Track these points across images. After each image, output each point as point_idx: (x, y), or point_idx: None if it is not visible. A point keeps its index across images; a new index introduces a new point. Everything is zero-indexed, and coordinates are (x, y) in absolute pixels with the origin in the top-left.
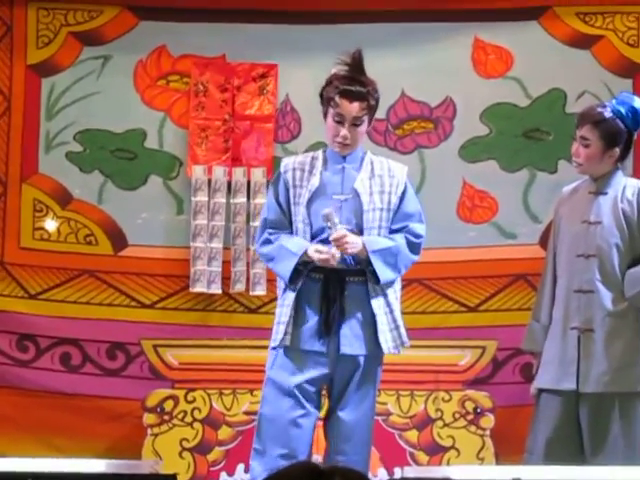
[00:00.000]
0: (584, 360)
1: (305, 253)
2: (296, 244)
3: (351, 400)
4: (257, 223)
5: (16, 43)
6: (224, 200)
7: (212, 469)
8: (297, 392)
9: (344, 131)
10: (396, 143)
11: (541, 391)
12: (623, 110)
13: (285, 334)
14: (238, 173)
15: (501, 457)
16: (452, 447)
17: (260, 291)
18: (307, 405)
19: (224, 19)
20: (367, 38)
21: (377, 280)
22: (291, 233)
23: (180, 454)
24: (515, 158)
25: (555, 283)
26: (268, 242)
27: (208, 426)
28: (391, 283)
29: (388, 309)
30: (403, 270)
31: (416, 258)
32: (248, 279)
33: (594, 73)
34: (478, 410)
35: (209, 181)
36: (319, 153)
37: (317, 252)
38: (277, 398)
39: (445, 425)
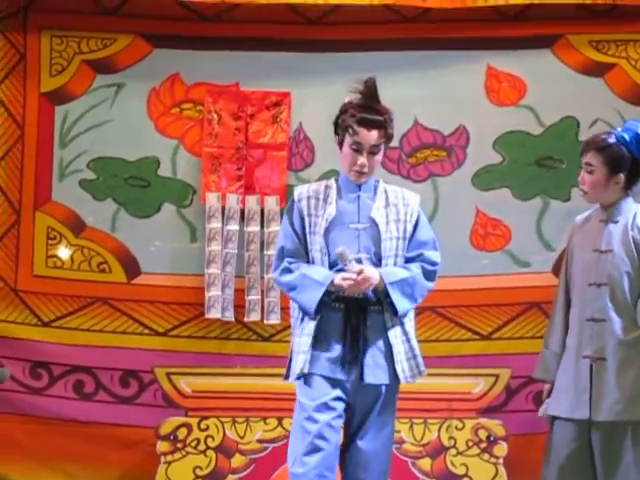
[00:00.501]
0: (596, 389)
1: (332, 283)
2: (320, 273)
3: (371, 429)
4: (271, 252)
5: (30, 71)
6: (237, 228)
7: None
8: (322, 407)
9: (362, 159)
10: (409, 171)
11: (554, 419)
12: (627, 136)
13: (306, 362)
14: (251, 201)
15: None
16: (465, 475)
17: (274, 320)
18: (334, 420)
19: (238, 47)
20: (380, 66)
21: (395, 311)
22: (308, 262)
23: None
24: (528, 186)
25: (567, 311)
26: (288, 271)
27: (221, 454)
28: (408, 311)
29: (405, 338)
30: (419, 299)
31: (432, 285)
32: (262, 307)
33: (607, 101)
34: (491, 438)
35: (223, 208)
36: (332, 182)
37: (344, 280)
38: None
39: (458, 453)
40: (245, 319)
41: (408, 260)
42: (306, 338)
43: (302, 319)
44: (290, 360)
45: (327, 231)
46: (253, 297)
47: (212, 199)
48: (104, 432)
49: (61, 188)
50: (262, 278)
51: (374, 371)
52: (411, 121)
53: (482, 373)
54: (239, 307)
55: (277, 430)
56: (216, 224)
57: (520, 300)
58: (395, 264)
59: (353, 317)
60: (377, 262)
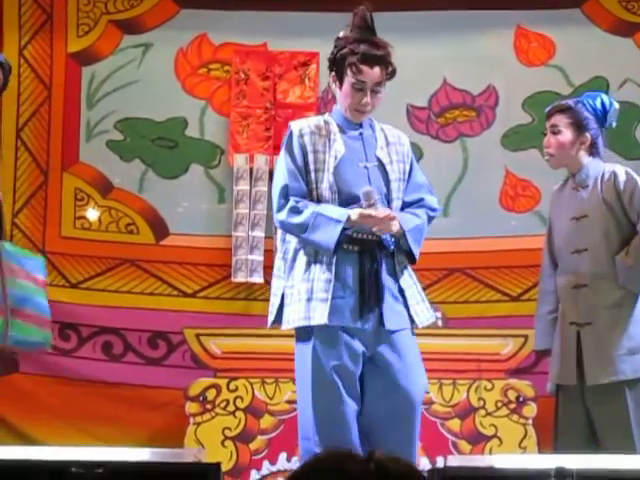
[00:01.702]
0: (586, 353)
1: (348, 219)
2: (335, 211)
3: (398, 375)
4: None
5: (56, 31)
6: (266, 189)
7: (254, 458)
8: (337, 378)
9: (366, 99)
10: (438, 131)
11: (557, 386)
12: (590, 100)
13: (324, 310)
14: None
15: (543, 446)
16: (494, 436)
17: None
18: (347, 395)
19: (265, 7)
20: (410, 26)
21: (412, 259)
22: (312, 201)
23: (222, 443)
24: None
25: (554, 278)
26: (296, 211)
27: (250, 415)
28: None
29: (412, 281)
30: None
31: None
32: None
33: (636, 61)
34: (520, 399)
35: (251, 170)
36: (328, 117)
37: (362, 217)
38: (319, 387)
39: (487, 414)
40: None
41: (406, 204)
42: (323, 284)
43: (308, 262)
44: (281, 305)
45: (336, 169)
46: None
47: (240, 160)
48: (133, 393)
49: (88, 149)
50: None
51: (393, 316)
52: (440, 81)
53: (511, 334)
54: (269, 268)
55: None
56: (244, 186)
57: None
58: (398, 207)
59: (368, 260)
60: (387, 204)
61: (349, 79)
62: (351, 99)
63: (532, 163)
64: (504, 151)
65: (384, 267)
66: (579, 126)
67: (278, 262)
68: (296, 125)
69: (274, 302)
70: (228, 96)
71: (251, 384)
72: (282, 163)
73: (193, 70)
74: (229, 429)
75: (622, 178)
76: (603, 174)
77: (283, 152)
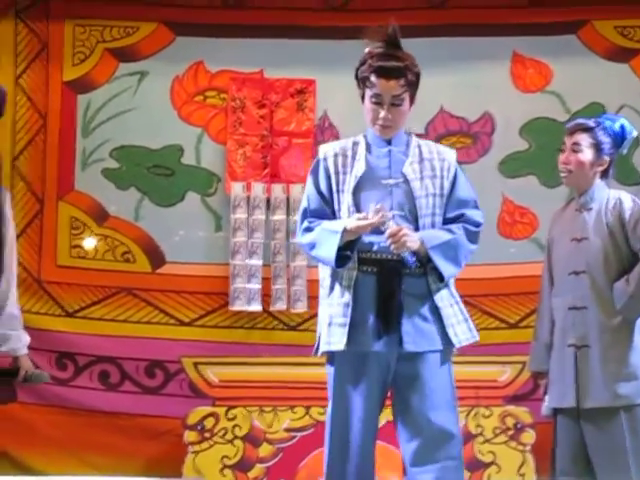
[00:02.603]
0: (582, 376)
1: (346, 230)
2: (337, 223)
3: (423, 402)
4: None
5: (52, 60)
6: (263, 217)
7: None
8: (353, 403)
9: (383, 112)
10: None
11: (554, 411)
12: (612, 124)
13: (342, 336)
14: (277, 190)
15: (542, 473)
16: (493, 463)
17: (301, 308)
18: (364, 420)
19: (261, 34)
20: None
21: (440, 277)
22: None
23: (221, 471)
24: (555, 173)
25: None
26: (309, 230)
27: (249, 443)
28: (453, 276)
29: (453, 300)
30: (463, 263)
31: (475, 248)
32: (289, 296)
33: (633, 87)
34: (519, 426)
35: (248, 198)
36: (360, 138)
37: (357, 220)
38: (335, 411)
39: (486, 441)
40: (271, 308)
41: (448, 221)
42: (340, 308)
43: (332, 286)
44: (319, 333)
45: (356, 189)
46: (279, 286)
47: (237, 188)
48: (130, 423)
49: (84, 177)
50: (288, 266)
51: (414, 338)
52: (437, 108)
53: (509, 361)
54: (266, 296)
55: (305, 419)
56: (241, 214)
57: None
58: (433, 224)
59: (387, 281)
60: (413, 221)
61: (368, 93)
62: (371, 114)
63: (529, 190)
64: (501, 178)
65: (409, 287)
66: (599, 148)
67: (320, 291)
68: (322, 148)
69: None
70: (224, 124)
71: (249, 412)
72: (306, 187)
73: (189, 98)
74: (228, 458)
75: (628, 205)
76: (608, 199)
77: (308, 176)
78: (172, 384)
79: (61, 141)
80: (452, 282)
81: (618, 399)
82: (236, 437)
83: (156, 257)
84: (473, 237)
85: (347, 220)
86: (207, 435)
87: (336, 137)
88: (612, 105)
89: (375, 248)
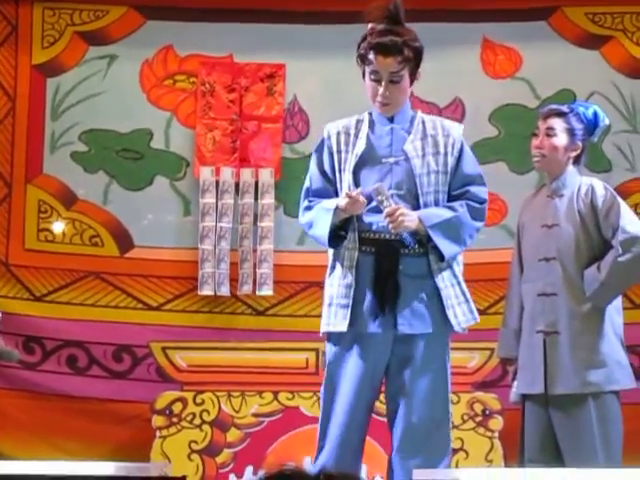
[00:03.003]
0: (551, 362)
1: (338, 207)
2: (332, 201)
3: (416, 389)
4: (265, 223)
5: (21, 43)
6: (232, 201)
7: (221, 471)
8: (346, 384)
9: (382, 89)
10: None
11: (523, 397)
12: (586, 110)
13: (345, 318)
14: (246, 174)
15: (510, 459)
16: (461, 449)
17: (266, 291)
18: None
19: (231, 19)
20: None
21: (441, 256)
22: None
23: (189, 456)
24: (525, 160)
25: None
26: (308, 209)
27: (217, 428)
28: (456, 255)
29: (455, 280)
30: (469, 241)
31: (480, 225)
32: (254, 280)
33: (603, 74)
34: (487, 412)
35: (217, 182)
36: (364, 115)
37: (344, 199)
38: (334, 396)
39: (454, 427)
40: (238, 292)
41: (453, 198)
42: (342, 289)
43: (333, 266)
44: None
45: (357, 167)
46: (246, 270)
47: (206, 173)
48: (98, 407)
49: (52, 161)
50: (255, 251)
51: (410, 320)
52: None
53: (477, 347)
54: (234, 281)
55: (273, 404)
56: (210, 199)
57: None
58: (436, 202)
59: (385, 262)
60: (412, 200)
61: (367, 70)
62: (370, 91)
63: (499, 176)
64: None
65: (407, 268)
66: (573, 134)
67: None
68: (327, 127)
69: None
70: (194, 108)
71: (217, 397)
72: (310, 166)
73: (158, 82)
74: (195, 442)
75: (600, 192)
76: (580, 186)
77: (312, 154)
78: (140, 369)
79: (30, 124)
80: (458, 261)
81: (587, 386)
82: (204, 422)
83: (124, 241)
84: (477, 214)
85: (340, 198)
86: (175, 420)
87: (305, 122)
88: (582, 92)
89: (374, 228)
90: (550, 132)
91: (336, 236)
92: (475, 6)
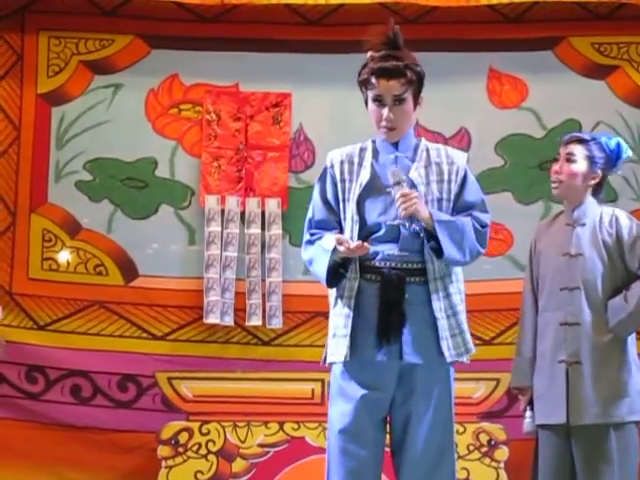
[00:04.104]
0: (573, 393)
1: (336, 249)
2: (331, 239)
3: (421, 421)
4: (273, 255)
5: (26, 72)
6: (237, 231)
7: None
8: (361, 407)
9: (386, 112)
10: None
11: (538, 427)
12: (608, 140)
13: (342, 348)
14: (252, 203)
15: None
16: (466, 479)
17: (276, 324)
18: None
19: (237, 48)
20: None
21: (440, 254)
22: (340, 233)
23: None
24: (530, 190)
25: (537, 315)
26: (310, 244)
27: (222, 458)
28: (454, 263)
29: (451, 311)
30: (468, 256)
31: (482, 250)
32: (264, 311)
33: (609, 103)
34: (492, 442)
35: (222, 211)
36: (368, 144)
37: (339, 243)
38: (341, 419)
39: (459, 457)
40: (246, 323)
41: None
42: (343, 319)
43: (337, 297)
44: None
45: (361, 197)
46: (254, 301)
47: (212, 202)
48: (103, 437)
49: (57, 190)
50: (263, 281)
51: (415, 349)
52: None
53: (483, 377)
54: (240, 311)
55: (278, 434)
56: (216, 227)
57: None
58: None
59: (390, 290)
60: (419, 225)
61: (370, 96)
62: (374, 116)
63: (505, 206)
64: None
65: (412, 296)
66: (593, 161)
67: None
68: (330, 155)
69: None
70: (199, 137)
71: (223, 427)
72: (313, 196)
73: (164, 110)
74: (201, 472)
75: (625, 223)
76: (602, 215)
77: (315, 184)
78: (145, 398)
79: (34, 153)
80: (457, 292)
81: (609, 417)
82: (210, 452)
83: (129, 270)
84: (479, 236)
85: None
86: (181, 450)
87: (311, 151)
88: (588, 122)
89: (379, 257)
90: (570, 157)
91: (336, 273)
92: (481, 36)
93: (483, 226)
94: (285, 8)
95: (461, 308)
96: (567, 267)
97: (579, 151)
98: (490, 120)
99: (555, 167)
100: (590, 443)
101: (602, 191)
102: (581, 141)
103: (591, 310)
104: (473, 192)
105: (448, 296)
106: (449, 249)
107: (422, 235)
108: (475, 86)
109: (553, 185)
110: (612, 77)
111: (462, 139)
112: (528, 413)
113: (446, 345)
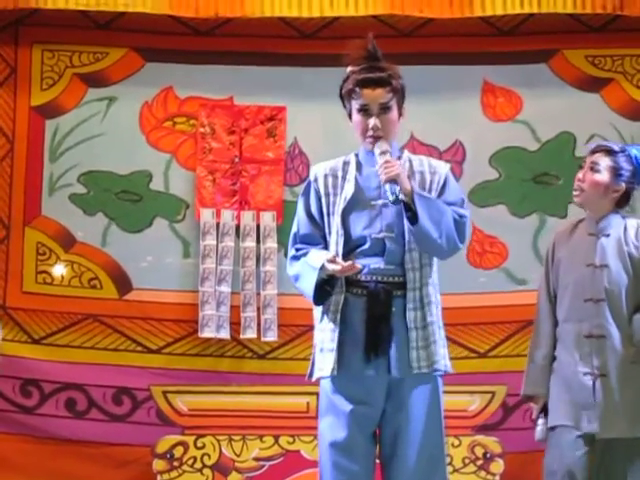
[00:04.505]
0: (599, 406)
1: (324, 266)
2: (318, 257)
3: (411, 436)
4: (268, 268)
5: (20, 84)
6: (232, 244)
7: None
8: (351, 421)
9: (373, 121)
10: None
11: (553, 428)
12: (637, 153)
13: (327, 363)
14: (247, 217)
15: None
16: None
17: (271, 337)
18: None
19: (232, 61)
20: None
21: (415, 222)
22: (325, 248)
23: None
24: (525, 203)
25: (552, 323)
26: (295, 259)
27: (218, 472)
28: (429, 242)
29: (423, 323)
30: (444, 239)
31: (460, 244)
32: (259, 325)
33: (603, 116)
34: (488, 455)
35: (217, 224)
36: (351, 157)
37: (330, 263)
38: (331, 433)
39: (455, 470)
40: (241, 336)
41: None
42: (329, 333)
43: (323, 312)
44: (313, 358)
45: (345, 211)
46: (249, 314)
47: (207, 215)
48: (98, 451)
49: (51, 203)
50: (258, 294)
51: (402, 363)
52: (407, 136)
53: (478, 390)
54: (234, 324)
55: (273, 448)
56: (211, 241)
57: (517, 318)
58: None
59: (377, 304)
60: (402, 241)
61: (354, 106)
62: (360, 126)
63: (499, 219)
64: (471, 207)
65: (399, 309)
66: (618, 173)
67: (314, 314)
68: (313, 169)
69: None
70: (193, 150)
71: (218, 441)
72: (297, 210)
73: (158, 123)
74: None
75: None
76: (626, 227)
77: (299, 198)
78: (140, 412)
79: (28, 166)
80: (434, 304)
81: (634, 431)
82: (205, 466)
83: (123, 283)
84: (458, 225)
85: (325, 256)
86: (176, 464)
87: (306, 165)
88: (583, 134)
89: (365, 271)
90: (594, 167)
91: (322, 290)
92: (475, 49)
93: (461, 217)
94: (280, 21)
95: (433, 319)
96: (591, 278)
97: (604, 161)
98: (484, 133)
99: (578, 174)
100: (614, 457)
101: (627, 203)
102: (608, 151)
103: (617, 322)
104: (453, 193)
105: (422, 307)
106: (425, 220)
107: (399, 198)
108: (469, 99)
109: (575, 193)
110: (606, 90)
111: (456, 152)
112: (541, 421)
113: (415, 356)
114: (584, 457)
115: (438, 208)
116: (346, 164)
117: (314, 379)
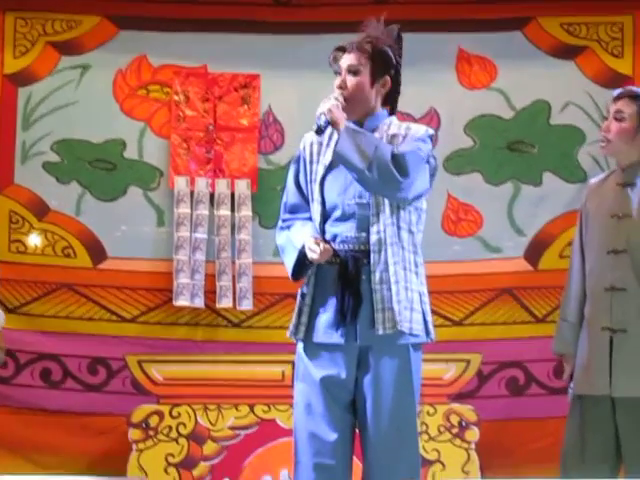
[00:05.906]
0: (617, 363)
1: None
2: (300, 236)
3: (382, 405)
4: (243, 236)
5: None
6: (207, 212)
7: None
8: (323, 389)
9: (339, 79)
10: None
11: (578, 397)
12: None
13: (300, 325)
14: (221, 185)
15: (486, 470)
16: (437, 461)
17: (247, 306)
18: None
19: (206, 29)
20: None
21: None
22: (309, 218)
23: (165, 470)
24: (499, 171)
25: (583, 279)
26: (282, 230)
27: (193, 441)
28: (351, 168)
29: (387, 285)
30: (375, 173)
31: (398, 176)
32: (234, 293)
33: (578, 84)
34: (463, 423)
35: (191, 193)
36: None
37: (309, 250)
38: (305, 399)
39: (430, 439)
40: (217, 305)
41: None
42: (302, 298)
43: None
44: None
45: (323, 178)
46: (224, 283)
47: (181, 183)
48: (73, 420)
49: (24, 171)
50: (233, 263)
51: (370, 330)
52: None
53: (453, 359)
54: (210, 293)
55: (249, 417)
56: (185, 209)
57: (492, 286)
58: (399, 207)
59: (348, 272)
60: (375, 209)
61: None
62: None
63: (474, 187)
64: (446, 175)
65: (366, 277)
66: None
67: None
68: (303, 138)
69: None
70: (168, 118)
71: (194, 410)
72: (287, 178)
73: (132, 92)
74: (172, 456)
75: None
76: None
77: (290, 166)
78: (115, 381)
79: (0, 134)
80: (399, 263)
81: None
82: (180, 435)
83: (97, 252)
84: (396, 160)
85: (305, 239)
86: (151, 433)
87: (280, 133)
88: (558, 102)
89: (338, 239)
90: (618, 115)
91: (302, 264)
92: (450, 16)
93: (403, 153)
94: None
95: (398, 280)
96: (614, 229)
97: (628, 107)
98: (459, 101)
99: (603, 125)
100: (635, 415)
101: None
102: (632, 97)
103: (638, 275)
104: (409, 144)
105: (387, 268)
106: (345, 149)
107: (320, 127)
108: (444, 67)
109: (601, 144)
110: (581, 57)
111: (431, 120)
112: (573, 384)
113: (381, 318)
114: (601, 429)
115: (370, 141)
116: (335, 131)
117: (288, 335)
